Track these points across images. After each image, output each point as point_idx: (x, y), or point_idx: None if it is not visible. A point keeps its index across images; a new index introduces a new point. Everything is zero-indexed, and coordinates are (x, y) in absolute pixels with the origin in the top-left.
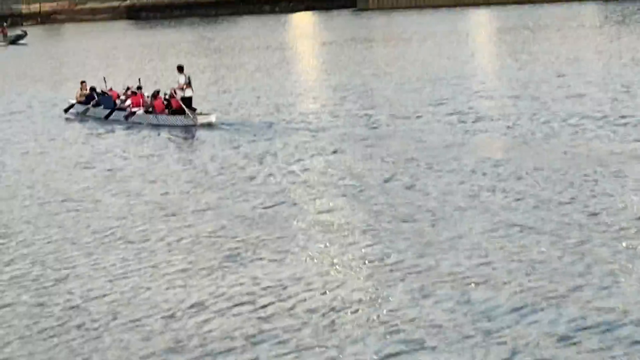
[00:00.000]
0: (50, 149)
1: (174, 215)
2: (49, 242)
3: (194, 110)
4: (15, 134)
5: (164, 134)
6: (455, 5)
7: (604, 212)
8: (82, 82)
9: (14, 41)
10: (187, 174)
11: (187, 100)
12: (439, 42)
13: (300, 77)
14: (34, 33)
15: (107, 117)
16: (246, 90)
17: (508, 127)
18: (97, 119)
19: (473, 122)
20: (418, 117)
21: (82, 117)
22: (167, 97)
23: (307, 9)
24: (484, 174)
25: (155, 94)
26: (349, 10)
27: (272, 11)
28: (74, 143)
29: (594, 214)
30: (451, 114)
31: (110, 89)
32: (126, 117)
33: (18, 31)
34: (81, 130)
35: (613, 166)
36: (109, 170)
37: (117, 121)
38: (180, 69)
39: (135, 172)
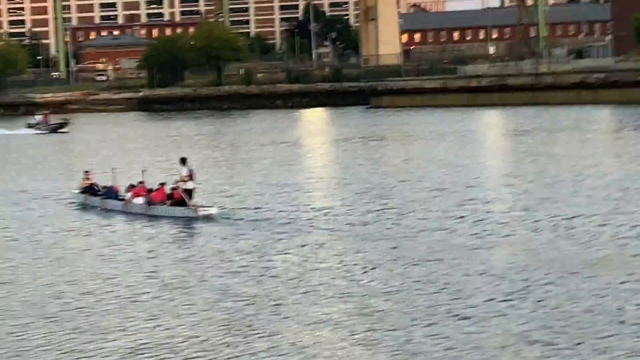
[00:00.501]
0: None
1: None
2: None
3: (195, 203)
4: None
5: (164, 225)
6: (468, 106)
7: None
8: (86, 172)
9: (56, 129)
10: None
11: (189, 193)
12: (454, 142)
13: (312, 174)
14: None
15: (104, 205)
16: (254, 185)
17: (528, 230)
18: (96, 207)
19: (493, 223)
20: (435, 216)
21: (84, 206)
22: (171, 189)
23: (319, 105)
24: (508, 280)
25: (161, 185)
26: (362, 107)
27: (285, 106)
28: (74, 232)
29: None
30: (468, 215)
31: (112, 187)
32: (127, 207)
33: (59, 120)
34: (81, 219)
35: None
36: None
37: (116, 211)
38: (183, 161)
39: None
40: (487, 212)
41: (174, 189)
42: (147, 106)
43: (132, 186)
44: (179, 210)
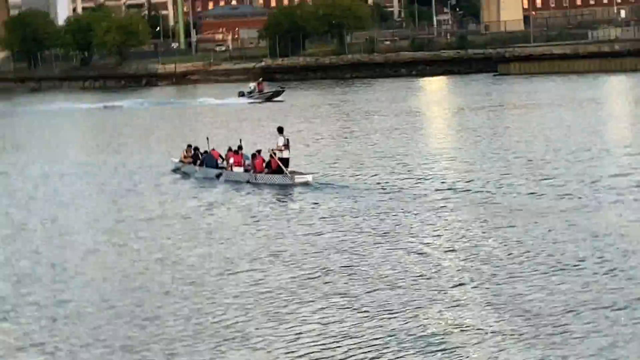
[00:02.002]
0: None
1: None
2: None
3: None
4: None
5: (264, 191)
6: (600, 71)
7: None
8: (188, 146)
9: (271, 97)
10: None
11: (285, 161)
12: (584, 109)
13: (428, 143)
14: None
15: (211, 175)
16: (367, 153)
17: None
18: (201, 177)
19: (612, 193)
20: (553, 186)
21: (187, 176)
22: (268, 157)
23: (444, 72)
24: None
25: (255, 154)
26: (489, 74)
27: (409, 74)
28: (180, 199)
29: None
30: (591, 185)
31: (213, 149)
32: (219, 176)
33: (275, 87)
34: (186, 188)
35: None
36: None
37: (218, 179)
38: (280, 130)
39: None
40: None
41: (271, 157)
42: (269, 76)
43: (233, 152)
44: (277, 178)
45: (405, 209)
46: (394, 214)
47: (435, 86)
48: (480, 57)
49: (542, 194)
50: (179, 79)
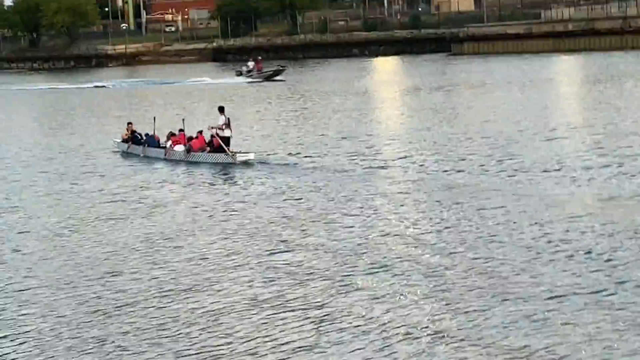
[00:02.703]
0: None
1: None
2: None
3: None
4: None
5: (204, 169)
6: (554, 51)
7: None
8: (129, 124)
9: (271, 77)
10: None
11: (226, 140)
12: (537, 89)
13: (380, 124)
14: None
15: (146, 152)
16: (317, 134)
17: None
18: (138, 155)
19: (556, 175)
20: (494, 168)
21: (126, 154)
22: (210, 137)
23: (397, 53)
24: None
25: (199, 133)
26: (442, 55)
27: (362, 54)
28: (116, 177)
29: None
30: (528, 168)
31: (154, 135)
32: (167, 155)
33: (275, 66)
34: (124, 165)
35: None
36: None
37: (157, 158)
38: (221, 109)
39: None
40: (548, 161)
41: (212, 136)
42: (221, 56)
43: (172, 134)
44: (218, 156)
45: (346, 187)
46: (332, 192)
47: (388, 66)
48: (434, 37)
49: (486, 172)
50: (130, 60)
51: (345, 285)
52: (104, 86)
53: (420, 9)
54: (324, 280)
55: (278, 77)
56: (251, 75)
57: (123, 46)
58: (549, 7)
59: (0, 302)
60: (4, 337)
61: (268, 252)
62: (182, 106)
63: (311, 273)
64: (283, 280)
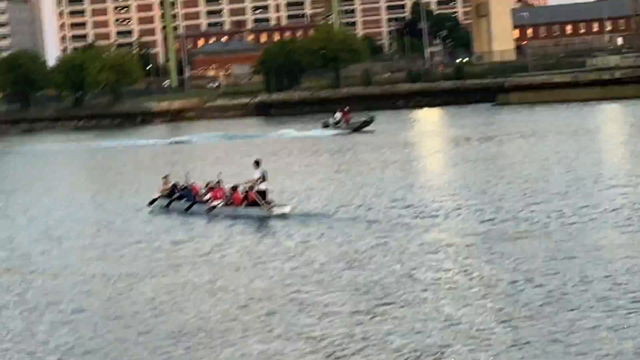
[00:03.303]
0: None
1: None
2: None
3: (268, 202)
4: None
5: (241, 225)
6: (601, 99)
7: None
8: (165, 177)
9: (359, 128)
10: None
11: (262, 194)
12: (586, 138)
13: (418, 176)
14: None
15: (187, 209)
16: (361, 186)
17: None
18: (179, 211)
19: (607, 220)
20: (546, 218)
21: (166, 210)
22: (245, 190)
23: (442, 104)
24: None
25: (234, 188)
26: (487, 105)
27: (406, 106)
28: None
29: None
30: (583, 215)
31: (193, 183)
32: (208, 210)
33: (364, 117)
34: (165, 222)
35: None
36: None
37: (198, 214)
38: (257, 163)
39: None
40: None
41: (247, 190)
42: (265, 111)
43: (210, 188)
44: (254, 211)
45: (391, 237)
46: (376, 242)
47: (434, 117)
48: (478, 87)
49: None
50: (175, 116)
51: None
52: (183, 142)
53: (463, 60)
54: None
55: (367, 128)
56: (339, 127)
57: (167, 103)
58: (591, 55)
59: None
60: None
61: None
62: (272, 160)
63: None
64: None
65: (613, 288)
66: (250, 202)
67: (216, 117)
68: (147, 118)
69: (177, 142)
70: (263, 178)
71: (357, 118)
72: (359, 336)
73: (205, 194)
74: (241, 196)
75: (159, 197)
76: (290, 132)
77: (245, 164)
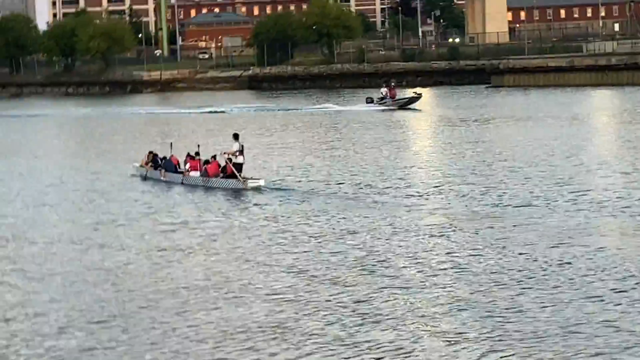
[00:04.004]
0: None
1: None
2: None
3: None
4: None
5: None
6: (596, 85)
7: None
8: (150, 152)
9: (405, 105)
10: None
11: (239, 166)
12: (580, 124)
13: (411, 155)
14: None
15: (164, 177)
16: (328, 163)
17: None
18: (157, 180)
19: (590, 205)
20: (531, 198)
21: (145, 179)
22: (224, 162)
23: (435, 84)
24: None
25: (210, 160)
26: (481, 86)
27: (399, 85)
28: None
29: None
30: (566, 198)
31: (172, 156)
32: (183, 181)
33: (410, 93)
34: (144, 190)
35: None
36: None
37: (175, 183)
38: (236, 136)
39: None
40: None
41: (226, 162)
42: (257, 84)
43: (190, 157)
44: (231, 183)
45: (361, 214)
46: (344, 217)
47: (427, 97)
48: (472, 69)
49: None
50: (165, 86)
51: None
52: (223, 111)
53: (456, 40)
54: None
55: (413, 105)
56: (384, 103)
57: (158, 72)
58: (587, 40)
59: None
60: None
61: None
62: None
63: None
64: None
65: (596, 273)
66: (228, 174)
67: (207, 89)
68: (136, 87)
69: (215, 112)
70: (241, 151)
71: (402, 94)
72: (319, 306)
73: (185, 164)
74: (219, 167)
75: (139, 165)
76: (331, 106)
77: (285, 135)
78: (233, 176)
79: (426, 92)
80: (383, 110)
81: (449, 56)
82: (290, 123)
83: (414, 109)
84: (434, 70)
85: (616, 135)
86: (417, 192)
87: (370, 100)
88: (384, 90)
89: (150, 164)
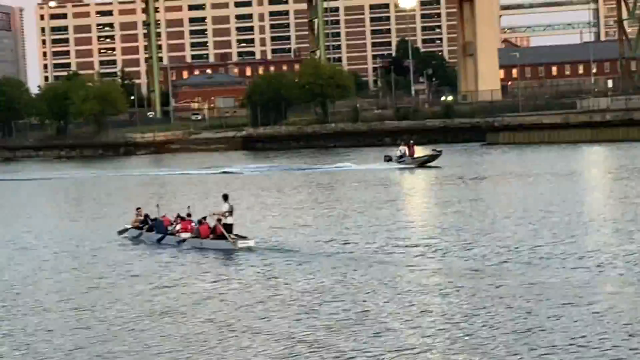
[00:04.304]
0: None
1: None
2: None
3: (235, 236)
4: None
5: (209, 256)
6: (592, 141)
7: None
8: (138, 209)
9: (425, 163)
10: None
11: (229, 227)
12: (572, 181)
13: (408, 214)
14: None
15: (159, 240)
16: (335, 223)
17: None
18: (150, 241)
19: (589, 265)
20: (528, 256)
21: (136, 240)
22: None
23: (430, 142)
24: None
25: (202, 221)
26: (476, 144)
27: (393, 143)
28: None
29: None
30: (555, 256)
31: (164, 216)
32: (178, 242)
33: (429, 151)
34: (136, 252)
35: None
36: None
37: (168, 245)
38: (225, 197)
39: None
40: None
41: (218, 221)
42: (251, 145)
43: (181, 218)
44: (221, 244)
45: (359, 273)
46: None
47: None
48: (467, 127)
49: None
50: (159, 148)
51: None
52: (233, 172)
53: (449, 98)
54: None
55: (433, 163)
56: (403, 161)
57: (151, 134)
58: (580, 97)
59: None
60: None
61: None
62: (336, 200)
63: None
64: None
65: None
66: (218, 235)
67: (201, 150)
68: (130, 149)
69: (226, 172)
70: (230, 212)
71: (422, 152)
72: None
73: (175, 226)
74: (209, 229)
75: (130, 227)
76: (349, 165)
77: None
78: (223, 237)
79: (421, 151)
80: (402, 169)
81: (443, 114)
82: (308, 182)
83: (434, 167)
84: (428, 129)
85: (615, 191)
86: (415, 250)
87: (388, 159)
88: (402, 148)
89: (139, 224)
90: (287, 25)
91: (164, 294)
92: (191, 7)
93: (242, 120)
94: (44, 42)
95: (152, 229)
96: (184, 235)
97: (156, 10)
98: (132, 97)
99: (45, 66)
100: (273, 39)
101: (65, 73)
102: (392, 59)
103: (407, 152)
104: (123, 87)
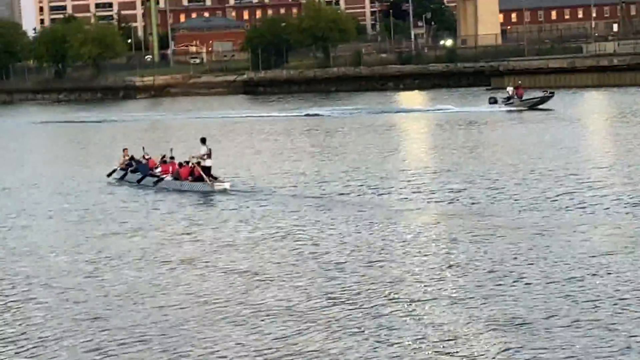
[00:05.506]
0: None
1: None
2: None
3: (213, 178)
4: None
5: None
6: (598, 86)
7: None
8: (124, 150)
9: (536, 105)
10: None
11: (207, 169)
12: (579, 126)
13: (405, 158)
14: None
15: (139, 181)
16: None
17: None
18: (132, 183)
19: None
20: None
21: (121, 181)
22: (193, 165)
23: (433, 87)
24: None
25: (183, 163)
26: (481, 88)
27: (396, 88)
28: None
29: None
30: (544, 196)
31: (150, 158)
32: (154, 183)
33: (540, 92)
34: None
35: None
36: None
37: (148, 186)
38: (203, 140)
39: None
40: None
41: (193, 166)
42: (252, 89)
43: (164, 161)
44: (199, 185)
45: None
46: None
47: (425, 99)
48: (471, 71)
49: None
50: (158, 92)
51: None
52: (317, 115)
53: (448, 43)
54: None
55: (544, 105)
56: (511, 103)
57: (151, 78)
58: (587, 42)
59: None
60: None
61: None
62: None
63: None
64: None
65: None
66: (196, 177)
67: (201, 94)
68: (130, 92)
69: (309, 115)
70: (209, 155)
71: (530, 94)
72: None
73: (160, 166)
74: (190, 171)
75: (116, 169)
76: (450, 107)
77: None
78: (201, 179)
79: (424, 95)
80: (510, 111)
81: (446, 59)
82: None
83: (546, 109)
84: (431, 73)
85: (620, 135)
86: (411, 194)
87: (493, 101)
88: (509, 89)
89: (126, 166)
90: None
91: (134, 236)
92: None
93: (242, 64)
94: None
95: (136, 170)
96: (164, 176)
97: None
98: (130, 41)
99: (41, 9)
100: None
101: (61, 16)
102: (391, 2)
103: (515, 94)
104: (120, 30)
